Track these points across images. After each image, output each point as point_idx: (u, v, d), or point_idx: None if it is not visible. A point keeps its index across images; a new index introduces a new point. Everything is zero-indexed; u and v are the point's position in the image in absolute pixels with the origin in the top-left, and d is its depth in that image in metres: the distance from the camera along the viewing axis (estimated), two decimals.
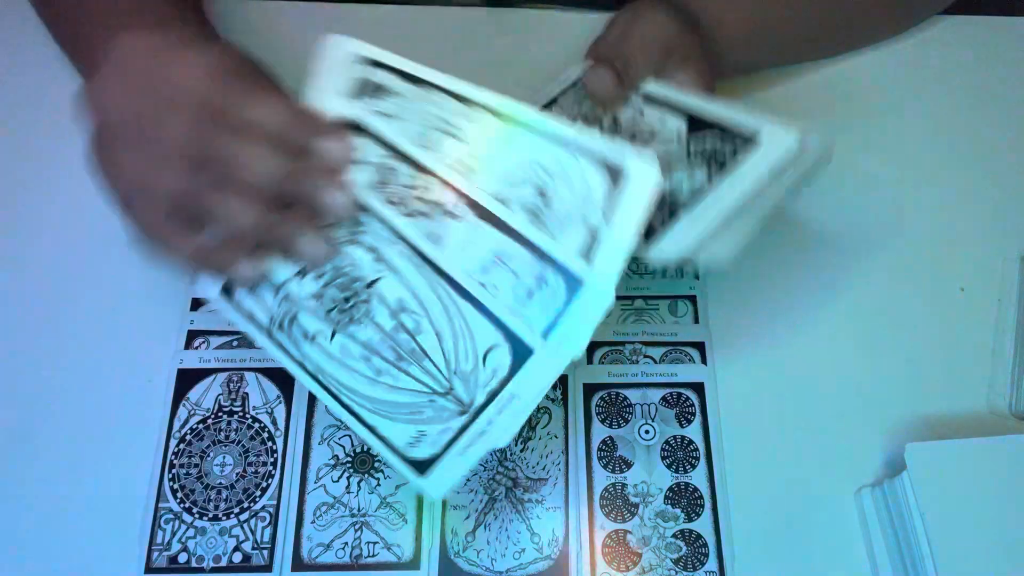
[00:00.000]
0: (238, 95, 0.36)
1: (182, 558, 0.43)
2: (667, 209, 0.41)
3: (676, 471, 0.46)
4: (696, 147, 0.42)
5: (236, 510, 0.44)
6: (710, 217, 0.40)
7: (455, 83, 0.38)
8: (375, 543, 0.44)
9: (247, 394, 0.47)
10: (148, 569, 0.43)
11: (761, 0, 0.52)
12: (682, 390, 0.48)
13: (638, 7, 0.48)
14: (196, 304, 0.49)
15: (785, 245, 0.52)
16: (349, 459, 0.46)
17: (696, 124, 0.43)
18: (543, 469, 0.46)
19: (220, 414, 0.47)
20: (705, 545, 0.45)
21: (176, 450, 0.46)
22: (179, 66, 0.36)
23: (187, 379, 0.47)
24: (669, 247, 0.40)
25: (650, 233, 0.41)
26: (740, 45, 0.52)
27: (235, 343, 0.48)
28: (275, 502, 0.45)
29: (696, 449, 0.47)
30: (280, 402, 0.47)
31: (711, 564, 0.44)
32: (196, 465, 0.45)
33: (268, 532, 0.44)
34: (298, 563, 0.43)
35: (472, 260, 0.37)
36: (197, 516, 0.44)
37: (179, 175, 0.36)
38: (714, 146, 0.41)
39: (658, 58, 0.47)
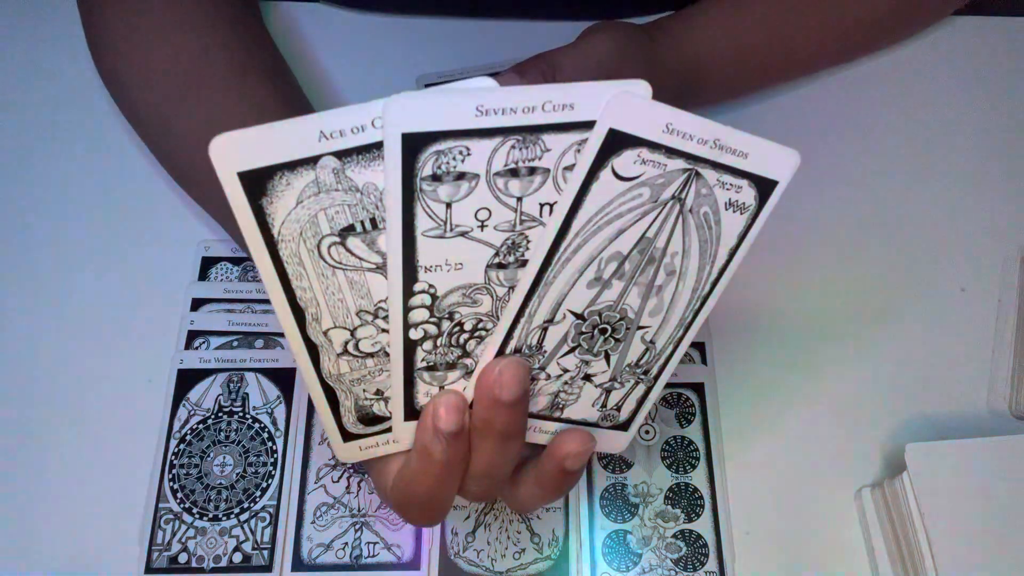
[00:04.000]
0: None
1: (182, 558, 0.43)
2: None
3: (676, 471, 0.46)
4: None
5: (236, 510, 0.44)
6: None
7: None
8: (375, 543, 0.44)
9: (247, 394, 0.47)
10: (148, 569, 0.43)
11: (743, 31, 0.51)
12: (682, 390, 0.48)
13: (597, 27, 0.46)
14: (196, 304, 0.49)
15: (785, 246, 0.52)
16: None
17: None
18: None
19: (220, 414, 0.47)
20: (705, 545, 0.45)
21: (176, 450, 0.46)
22: None
23: (187, 379, 0.47)
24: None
25: None
26: (723, 75, 0.51)
27: (235, 343, 0.48)
28: (275, 502, 0.45)
29: (696, 449, 0.47)
30: (280, 402, 0.47)
31: (711, 564, 0.44)
32: (196, 465, 0.45)
33: (268, 532, 0.44)
34: (298, 563, 0.43)
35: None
36: (197, 516, 0.44)
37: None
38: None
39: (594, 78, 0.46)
